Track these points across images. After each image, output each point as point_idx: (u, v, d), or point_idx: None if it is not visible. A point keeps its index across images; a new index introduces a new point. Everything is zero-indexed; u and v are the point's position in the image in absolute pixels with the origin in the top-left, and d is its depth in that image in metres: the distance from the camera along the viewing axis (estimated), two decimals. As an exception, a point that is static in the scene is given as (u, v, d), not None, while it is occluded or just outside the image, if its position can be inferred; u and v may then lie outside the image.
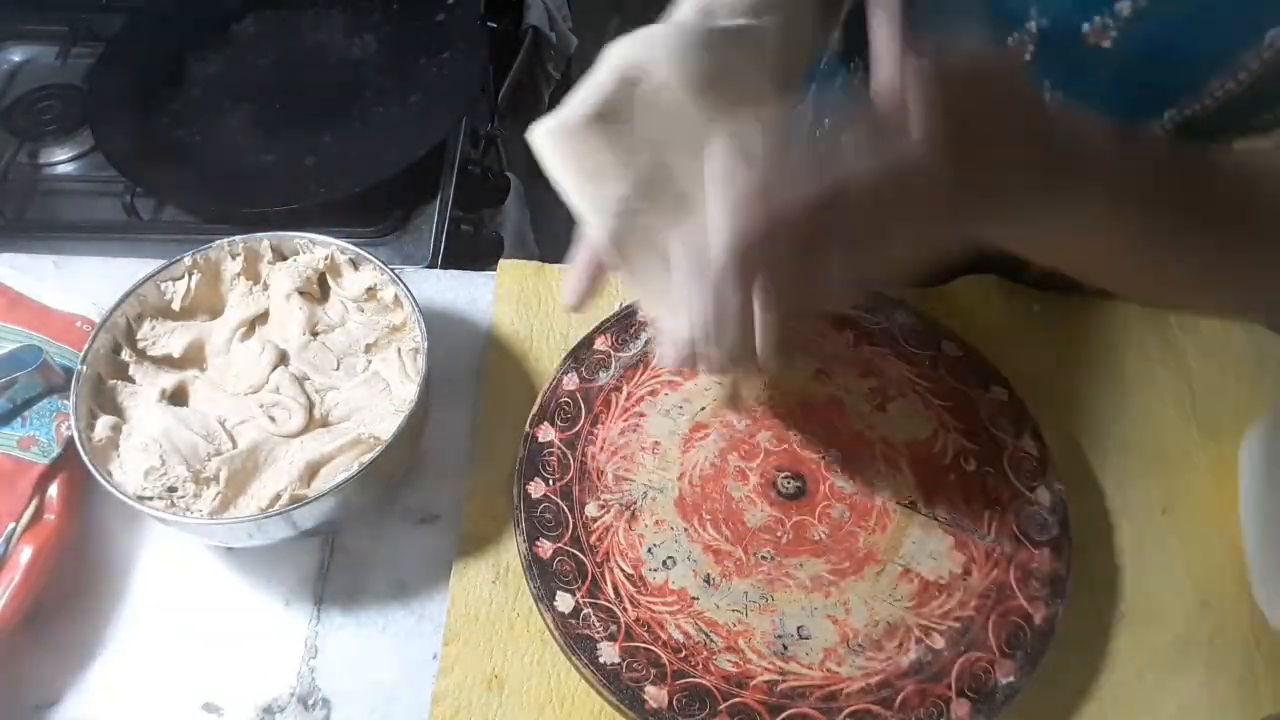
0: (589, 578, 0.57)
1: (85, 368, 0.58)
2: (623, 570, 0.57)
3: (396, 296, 0.63)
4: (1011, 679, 0.54)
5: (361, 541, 0.61)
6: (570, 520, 0.59)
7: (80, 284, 0.70)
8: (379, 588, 0.60)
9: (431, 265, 0.79)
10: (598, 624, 0.55)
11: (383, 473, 0.57)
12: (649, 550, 0.58)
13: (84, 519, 0.61)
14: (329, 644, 0.58)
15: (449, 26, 0.92)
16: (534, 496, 0.59)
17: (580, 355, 0.65)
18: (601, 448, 0.62)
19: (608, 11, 1.96)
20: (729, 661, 0.54)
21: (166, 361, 0.62)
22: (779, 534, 0.59)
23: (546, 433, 0.62)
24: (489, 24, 1.04)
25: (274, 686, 0.56)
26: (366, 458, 0.56)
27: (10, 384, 0.59)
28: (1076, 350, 0.69)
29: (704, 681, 0.54)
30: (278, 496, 0.56)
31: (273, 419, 0.59)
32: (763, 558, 0.58)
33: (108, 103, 0.86)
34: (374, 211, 0.81)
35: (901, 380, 0.65)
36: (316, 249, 0.65)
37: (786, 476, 0.61)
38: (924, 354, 0.66)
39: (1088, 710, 0.56)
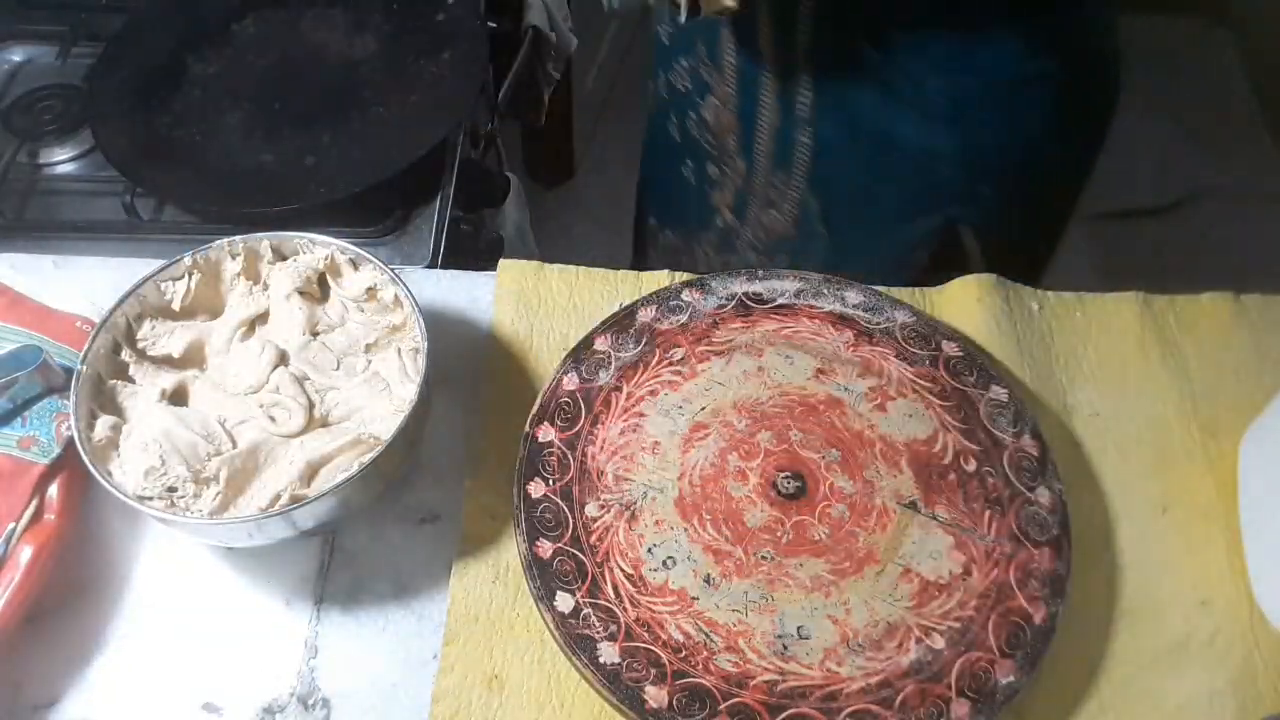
0: (589, 578, 0.57)
1: (85, 368, 0.58)
2: (623, 570, 0.57)
3: (396, 296, 0.63)
4: (1011, 679, 0.54)
5: (361, 541, 0.61)
6: (570, 520, 0.59)
7: (80, 284, 0.70)
8: (379, 588, 0.60)
9: (431, 265, 0.79)
10: (598, 624, 0.55)
11: (383, 473, 0.57)
12: (649, 550, 0.58)
13: (84, 519, 0.61)
14: (329, 644, 0.58)
15: (449, 26, 0.92)
16: (534, 496, 0.59)
17: (580, 355, 0.65)
18: (601, 448, 0.62)
19: (608, 12, 1.96)
20: (729, 661, 0.54)
21: (166, 361, 0.62)
22: (779, 534, 0.59)
23: (546, 433, 0.62)
24: (489, 24, 1.03)
25: (274, 686, 0.56)
26: (366, 458, 0.56)
27: (10, 384, 0.59)
28: (1076, 350, 0.69)
29: (704, 681, 0.54)
30: (278, 496, 0.56)
31: (273, 419, 0.59)
32: (763, 558, 0.58)
33: (108, 103, 0.86)
34: (374, 211, 0.81)
35: (901, 380, 0.65)
36: (316, 249, 0.65)
37: (786, 476, 0.61)
38: (924, 354, 0.66)
39: (1088, 710, 0.56)
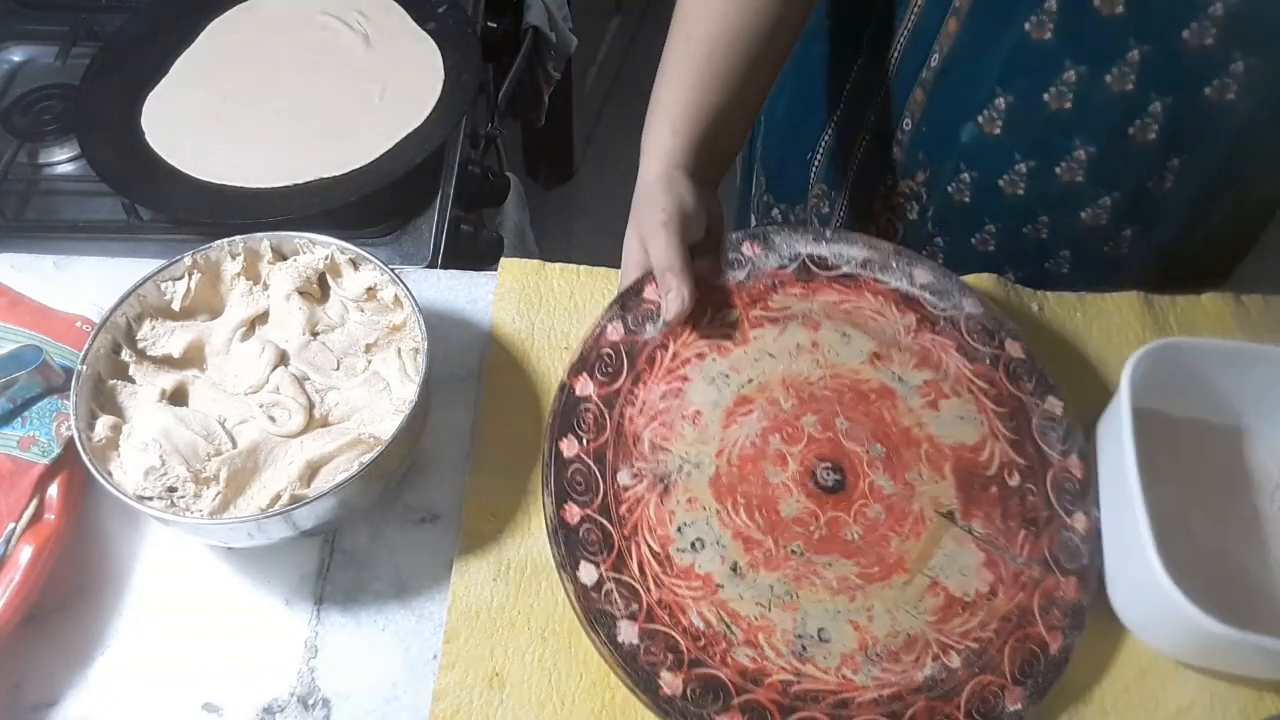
0: (615, 550, 0.55)
1: (85, 368, 0.58)
2: (650, 547, 0.55)
3: (396, 296, 0.63)
4: (1019, 707, 0.53)
5: (361, 541, 0.61)
6: (601, 486, 0.57)
7: (80, 284, 0.70)
8: (379, 588, 0.60)
9: (431, 265, 0.79)
10: (619, 601, 0.53)
11: (383, 473, 0.57)
12: (679, 529, 0.56)
13: (84, 519, 0.61)
14: (329, 644, 0.58)
15: (439, 36, 0.92)
16: (566, 455, 0.57)
17: (628, 303, 0.61)
18: (641, 410, 0.59)
19: (608, 11, 1.96)
20: (747, 656, 0.53)
21: (166, 361, 0.62)
22: (812, 528, 0.57)
23: (585, 386, 0.59)
24: (489, 24, 1.03)
25: (274, 686, 0.56)
26: (366, 458, 0.56)
27: (10, 384, 0.59)
28: (1077, 350, 0.69)
29: (720, 674, 0.53)
30: (278, 496, 0.56)
31: (273, 419, 0.59)
32: (792, 552, 0.56)
33: (96, 113, 0.85)
34: (374, 212, 0.81)
35: (959, 377, 0.62)
36: (316, 249, 0.65)
37: (827, 468, 0.58)
38: (986, 351, 0.63)
39: (1090, 711, 0.56)
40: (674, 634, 0.53)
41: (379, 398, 0.61)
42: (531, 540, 0.60)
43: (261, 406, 0.60)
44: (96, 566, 0.60)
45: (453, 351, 0.68)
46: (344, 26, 0.93)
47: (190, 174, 0.82)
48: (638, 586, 0.54)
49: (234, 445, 0.58)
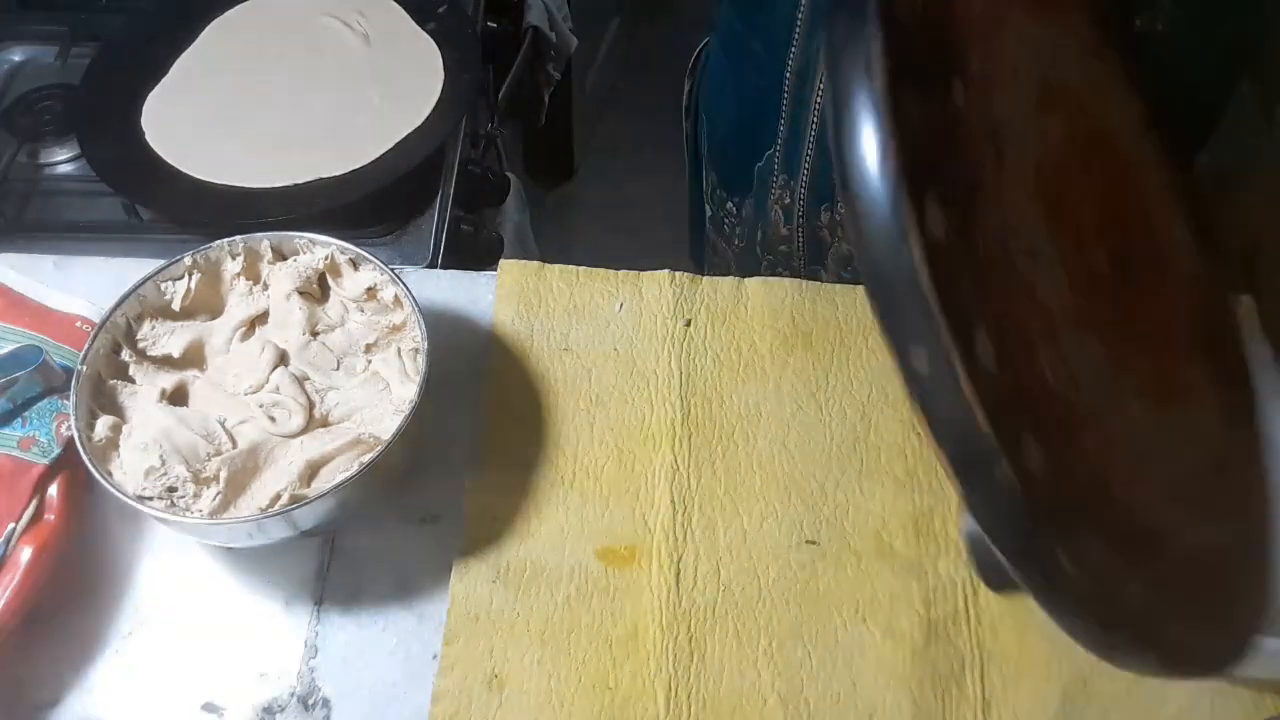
0: (961, 204, 0.29)
1: (85, 368, 0.58)
2: (997, 224, 0.31)
3: (396, 296, 0.63)
4: None
5: (361, 541, 0.61)
6: (940, 73, 0.32)
7: (80, 284, 0.70)
8: (379, 588, 0.60)
9: (431, 265, 0.79)
10: (967, 292, 0.28)
11: (383, 473, 0.57)
12: (1019, 223, 0.33)
13: (84, 519, 0.61)
14: (329, 644, 0.58)
15: (439, 36, 0.92)
16: None
17: None
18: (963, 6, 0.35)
19: (608, 11, 1.96)
20: (1089, 453, 0.31)
21: (166, 361, 0.62)
22: (1104, 301, 0.36)
23: None
24: (489, 24, 1.03)
25: (274, 686, 0.56)
26: (366, 458, 0.56)
27: (10, 384, 0.59)
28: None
29: (1081, 468, 0.31)
30: (278, 496, 0.56)
31: (273, 419, 0.59)
32: (1108, 318, 0.34)
33: (96, 113, 0.85)
34: (374, 212, 0.81)
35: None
36: (316, 249, 0.65)
37: (1121, 236, 0.37)
38: None
39: (1089, 710, 0.56)
40: (1029, 380, 0.30)
41: (379, 398, 0.61)
42: (531, 542, 0.60)
43: (261, 406, 0.60)
44: (96, 566, 0.60)
45: (453, 351, 0.68)
46: (344, 27, 0.93)
47: (190, 174, 0.82)
48: (988, 278, 0.29)
49: (234, 445, 0.58)
